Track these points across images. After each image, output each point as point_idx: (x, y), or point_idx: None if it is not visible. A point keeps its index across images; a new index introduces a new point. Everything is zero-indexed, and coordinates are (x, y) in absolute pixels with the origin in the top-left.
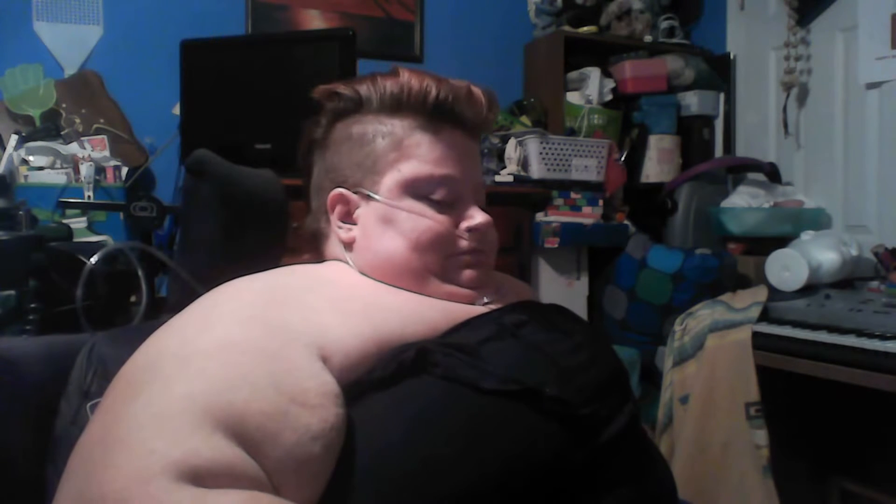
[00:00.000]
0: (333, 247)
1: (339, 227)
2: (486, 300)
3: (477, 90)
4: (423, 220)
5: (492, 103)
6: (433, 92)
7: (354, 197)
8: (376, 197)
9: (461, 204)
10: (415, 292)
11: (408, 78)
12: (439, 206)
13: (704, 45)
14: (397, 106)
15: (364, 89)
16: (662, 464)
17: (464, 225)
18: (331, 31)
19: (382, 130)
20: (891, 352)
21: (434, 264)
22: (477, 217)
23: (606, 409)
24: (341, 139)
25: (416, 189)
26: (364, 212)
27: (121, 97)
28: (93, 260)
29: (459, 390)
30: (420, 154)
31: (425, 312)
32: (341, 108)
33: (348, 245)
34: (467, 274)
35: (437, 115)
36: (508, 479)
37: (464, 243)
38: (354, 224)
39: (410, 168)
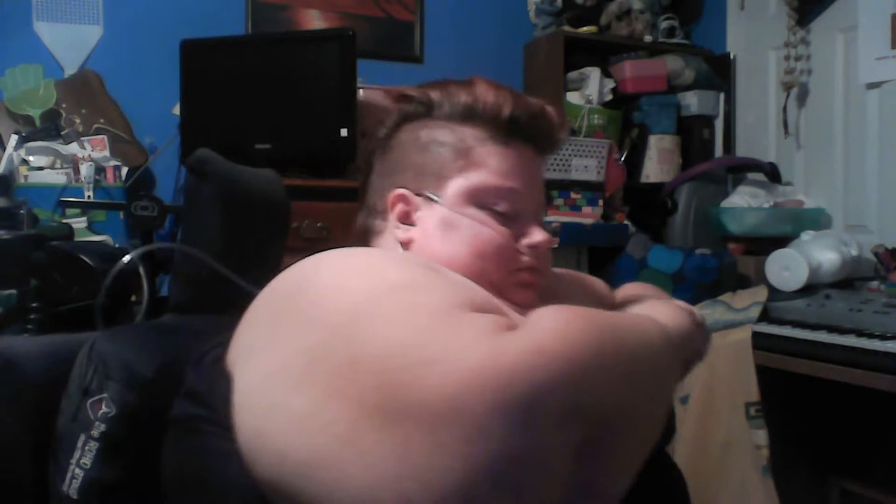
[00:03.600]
0: (386, 244)
1: (398, 227)
2: None
3: (551, 110)
4: (485, 229)
5: (563, 124)
6: (508, 106)
7: (416, 199)
8: (440, 201)
9: (522, 219)
10: None
11: (484, 89)
12: (502, 219)
13: (704, 45)
14: (470, 115)
15: (436, 95)
16: (676, 470)
17: (525, 241)
18: (331, 31)
19: (451, 137)
20: (891, 352)
21: (492, 275)
22: (537, 235)
23: None
24: (408, 141)
25: (480, 198)
26: (425, 214)
27: (121, 97)
28: (126, 259)
29: None
30: (488, 164)
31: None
32: (410, 111)
33: (404, 245)
34: (522, 294)
35: (509, 129)
36: None
37: (524, 259)
38: (413, 225)
39: (478, 177)
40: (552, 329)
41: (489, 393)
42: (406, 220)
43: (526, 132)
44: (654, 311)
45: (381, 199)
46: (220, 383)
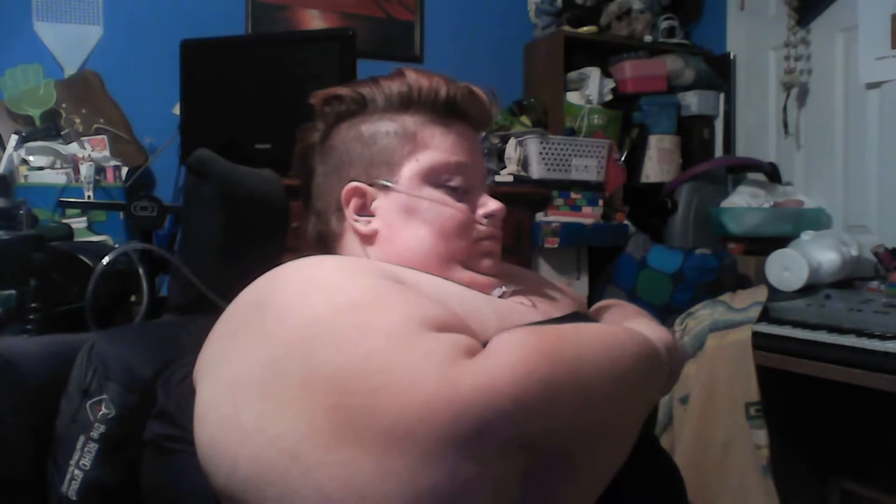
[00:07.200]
0: (349, 245)
1: (357, 221)
2: (503, 289)
3: (478, 89)
4: (445, 208)
5: (492, 100)
6: (443, 89)
7: (370, 189)
8: (396, 187)
9: (474, 192)
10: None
11: (415, 77)
12: (457, 194)
13: (704, 45)
14: (406, 104)
15: (367, 91)
16: (675, 469)
17: (481, 211)
18: (331, 31)
19: (394, 126)
20: (891, 352)
21: (459, 251)
22: (491, 203)
23: None
24: (349, 138)
25: (434, 177)
26: (382, 203)
27: (121, 97)
28: (105, 261)
29: None
30: (435, 144)
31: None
32: (343, 111)
33: (369, 238)
34: (486, 262)
35: (446, 110)
36: None
37: (482, 229)
38: (372, 216)
39: (428, 157)
40: (507, 365)
41: (439, 425)
42: (362, 212)
43: (461, 111)
44: (633, 321)
45: (331, 199)
46: (189, 401)
